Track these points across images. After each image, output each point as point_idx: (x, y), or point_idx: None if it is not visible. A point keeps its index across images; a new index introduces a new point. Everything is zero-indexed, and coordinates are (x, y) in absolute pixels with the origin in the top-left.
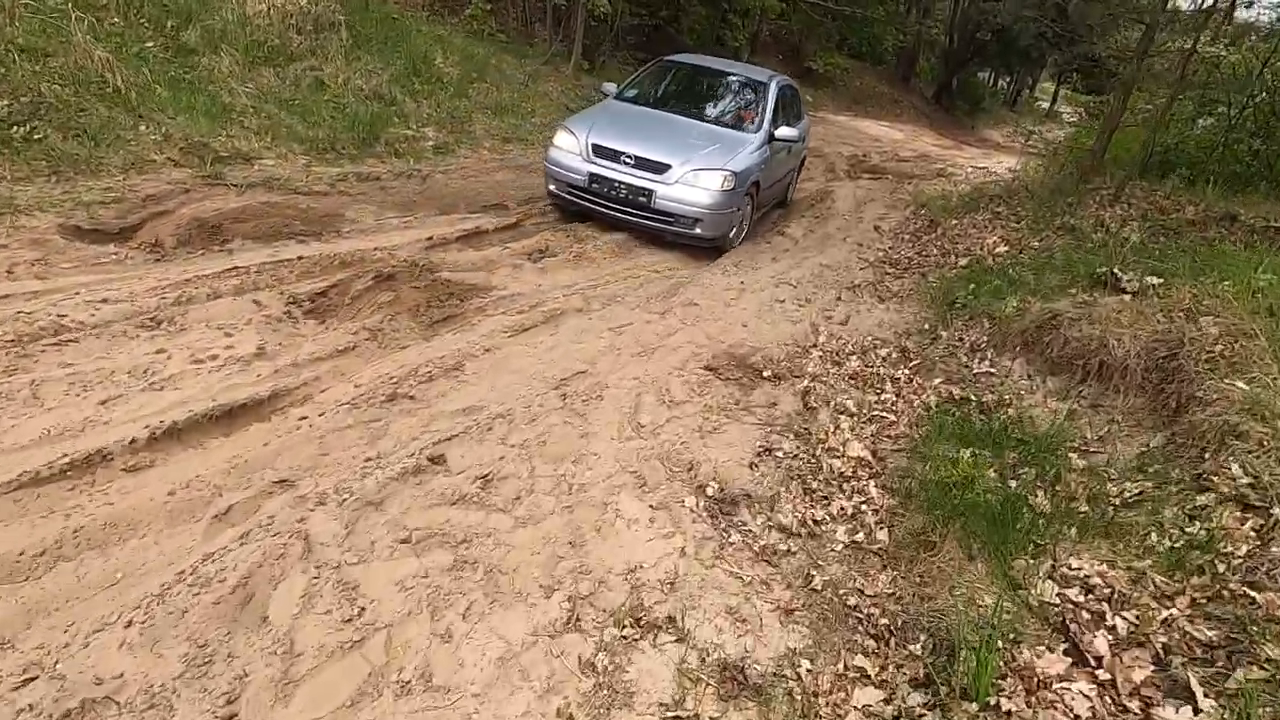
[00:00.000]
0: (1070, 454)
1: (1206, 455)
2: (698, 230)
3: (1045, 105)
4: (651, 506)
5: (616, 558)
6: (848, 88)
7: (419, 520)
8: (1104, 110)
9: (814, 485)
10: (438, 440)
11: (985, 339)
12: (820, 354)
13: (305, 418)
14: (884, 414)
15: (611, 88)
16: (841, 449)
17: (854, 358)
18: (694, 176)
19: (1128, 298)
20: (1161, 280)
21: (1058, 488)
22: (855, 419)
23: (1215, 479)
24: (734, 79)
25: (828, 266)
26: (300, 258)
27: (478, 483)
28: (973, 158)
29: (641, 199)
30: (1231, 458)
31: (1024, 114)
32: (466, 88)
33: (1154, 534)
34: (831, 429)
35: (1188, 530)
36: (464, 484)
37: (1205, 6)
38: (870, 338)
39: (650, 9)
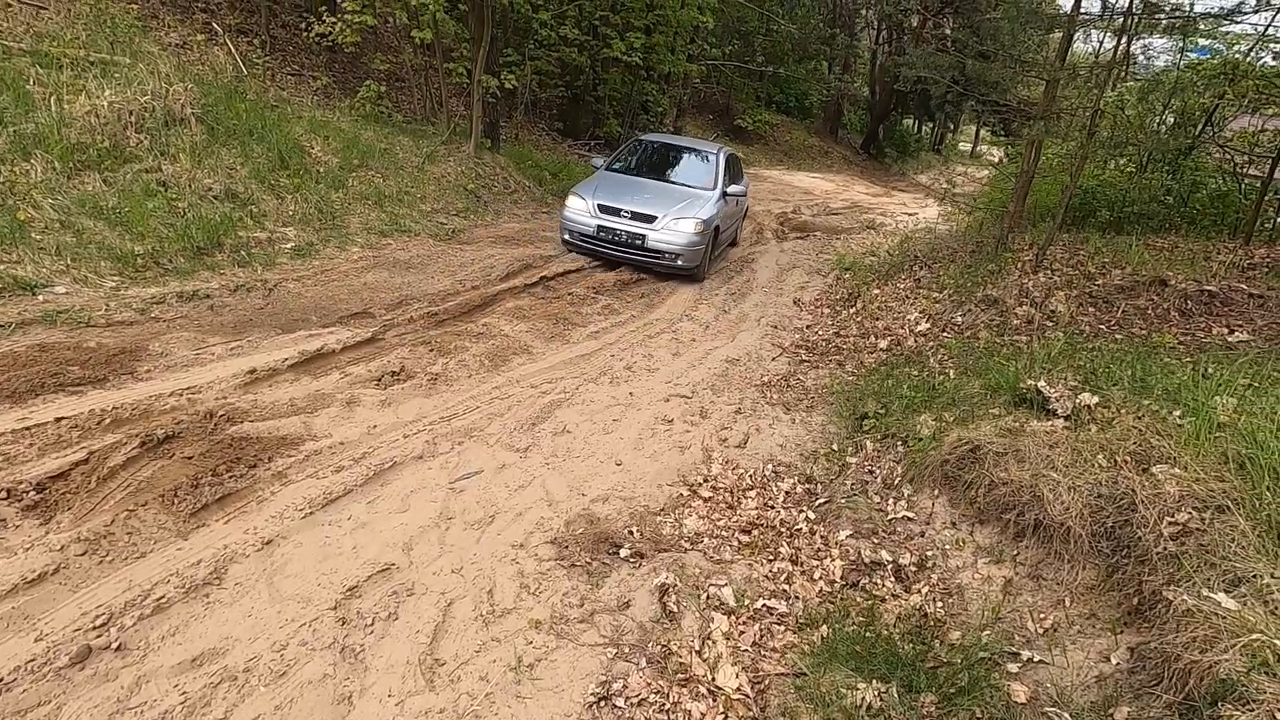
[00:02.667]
0: (1008, 671)
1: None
2: (679, 262)
3: (968, 147)
4: None
5: None
6: (779, 143)
7: None
8: (1018, 155)
9: None
10: None
11: (900, 471)
12: (710, 493)
13: None
14: (773, 601)
15: (600, 161)
16: (710, 677)
17: (751, 495)
18: (674, 224)
19: (1059, 423)
20: (1098, 400)
21: None
22: (733, 619)
23: None
24: (690, 151)
25: (734, 361)
26: (59, 420)
27: None
28: (903, 203)
29: (637, 242)
30: None
31: (949, 157)
32: (345, 177)
33: None
34: (698, 644)
35: None
36: None
37: (1104, 62)
38: (771, 465)
39: (565, 80)
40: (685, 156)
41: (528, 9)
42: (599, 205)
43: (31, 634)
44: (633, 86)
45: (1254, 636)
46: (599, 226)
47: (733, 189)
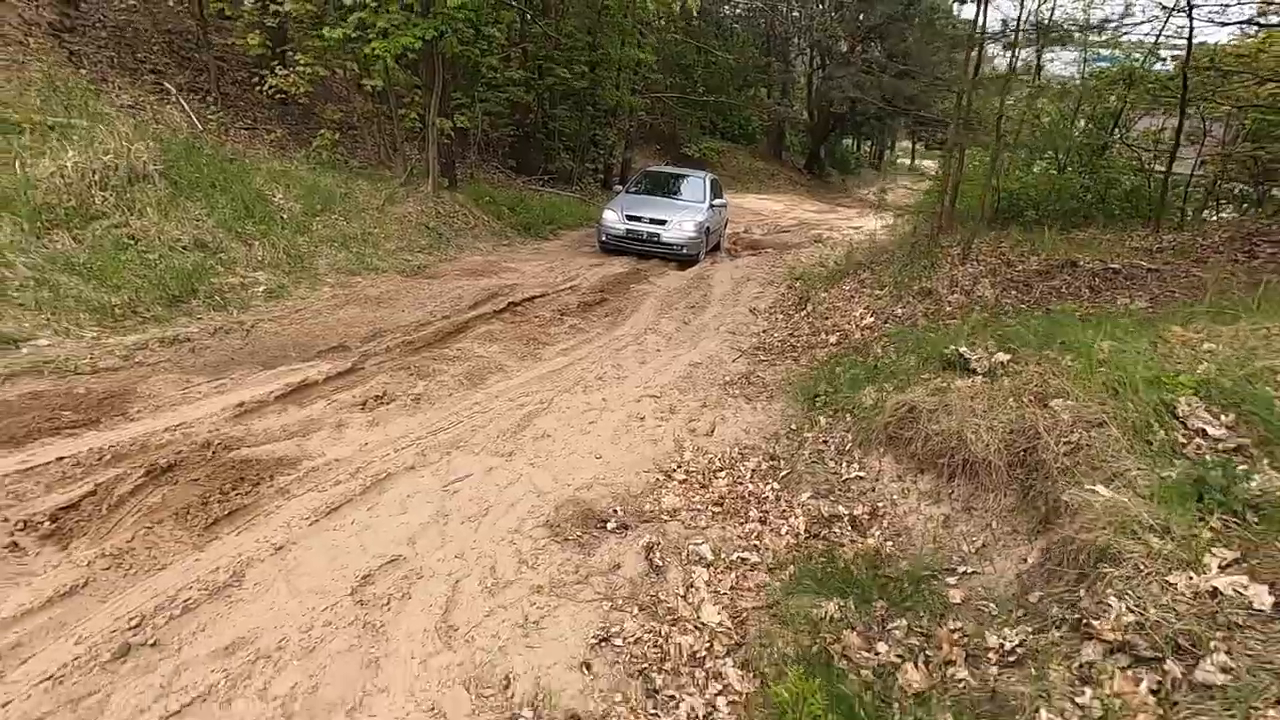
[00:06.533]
0: (947, 584)
1: (1083, 586)
2: (684, 251)
3: (906, 161)
4: None
5: None
6: (726, 168)
7: None
8: (948, 167)
9: (659, 681)
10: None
11: (850, 438)
12: (684, 476)
13: None
14: (746, 554)
15: (621, 188)
16: (695, 616)
17: (721, 475)
18: (679, 225)
19: (979, 379)
20: (1010, 355)
21: (930, 653)
22: (712, 569)
23: (1097, 623)
24: (684, 177)
25: (698, 365)
26: (60, 459)
27: None
28: (848, 218)
29: (655, 238)
30: (1109, 589)
31: (889, 171)
32: (309, 222)
33: (1043, 711)
34: (683, 591)
35: (1080, 702)
36: None
37: (1003, 74)
38: (738, 448)
39: (515, 119)
40: (681, 180)
41: (475, 54)
42: (627, 215)
43: (70, 639)
44: (580, 122)
45: (1117, 502)
46: (627, 230)
47: (717, 202)
